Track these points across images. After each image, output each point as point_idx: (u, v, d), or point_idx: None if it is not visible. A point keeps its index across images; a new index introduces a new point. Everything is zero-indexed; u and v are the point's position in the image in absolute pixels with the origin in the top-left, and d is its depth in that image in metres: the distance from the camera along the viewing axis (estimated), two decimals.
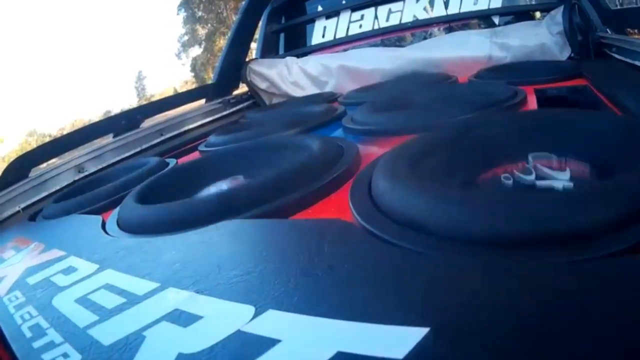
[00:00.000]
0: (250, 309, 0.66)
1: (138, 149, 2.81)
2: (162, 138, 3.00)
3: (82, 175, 2.48)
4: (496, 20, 3.47)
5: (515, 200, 0.88)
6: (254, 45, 4.16)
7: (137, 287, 0.85)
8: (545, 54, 2.82)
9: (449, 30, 3.62)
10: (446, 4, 3.54)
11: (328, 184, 1.24)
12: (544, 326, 0.50)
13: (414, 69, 3.12)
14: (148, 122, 3.07)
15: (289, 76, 3.68)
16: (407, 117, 1.79)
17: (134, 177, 1.87)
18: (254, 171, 1.62)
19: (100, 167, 2.59)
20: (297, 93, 3.63)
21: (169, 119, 3.17)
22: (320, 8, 4.08)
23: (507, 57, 2.92)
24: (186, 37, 48.47)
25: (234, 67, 3.69)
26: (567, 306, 0.53)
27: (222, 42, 38.39)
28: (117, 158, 2.70)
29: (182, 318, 0.70)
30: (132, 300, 0.82)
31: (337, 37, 3.97)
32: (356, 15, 3.89)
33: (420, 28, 3.76)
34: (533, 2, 3.59)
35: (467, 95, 2.00)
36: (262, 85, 3.72)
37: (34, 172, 2.34)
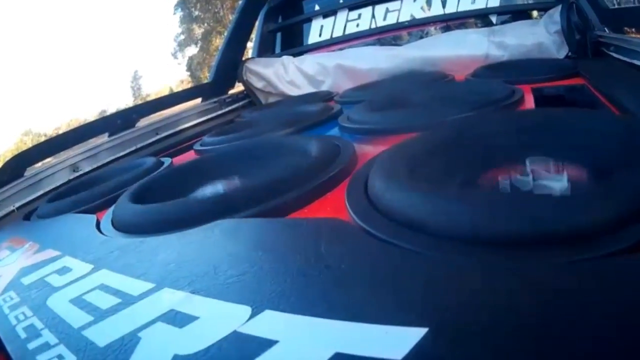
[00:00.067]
0: (246, 310, 0.66)
1: (133, 148, 2.81)
2: (158, 137, 2.99)
3: (77, 174, 2.47)
4: (493, 19, 3.47)
5: (514, 200, 0.87)
6: (250, 45, 4.16)
7: (132, 288, 0.85)
8: (542, 53, 2.83)
9: (446, 29, 3.63)
10: (444, 3, 3.53)
11: (324, 183, 1.23)
12: (544, 326, 0.50)
13: (411, 68, 3.12)
14: (143, 122, 3.06)
15: (286, 75, 3.68)
16: (404, 116, 1.79)
17: (129, 177, 1.87)
18: (250, 171, 1.62)
19: (95, 166, 2.58)
20: (294, 92, 3.62)
21: (165, 118, 3.17)
22: (317, 7, 4.08)
23: (505, 56, 2.93)
24: (182, 37, 48.55)
25: (230, 66, 3.69)
26: (567, 306, 0.52)
27: (219, 42, 38.50)
28: (112, 157, 2.69)
29: (177, 319, 0.69)
30: (127, 300, 0.81)
31: (334, 36, 3.96)
32: (353, 14, 3.89)
33: (418, 27, 3.76)
34: (530, 1, 3.59)
35: (464, 94, 2.00)
36: (259, 84, 3.72)
37: (29, 172, 2.34)
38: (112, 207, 1.46)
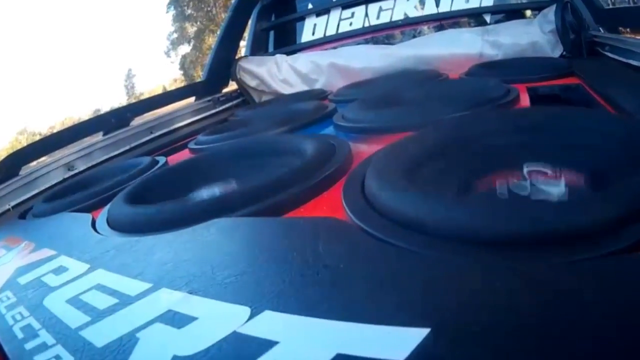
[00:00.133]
0: (245, 310, 0.65)
1: (128, 147, 2.80)
2: (152, 136, 2.99)
3: (72, 173, 2.47)
4: (487, 18, 3.47)
5: (512, 200, 0.87)
6: (243, 44, 4.15)
7: (129, 288, 0.85)
8: (537, 52, 2.83)
9: (440, 29, 3.62)
10: (437, 2, 3.53)
11: (320, 182, 1.23)
12: (545, 326, 0.50)
13: (405, 67, 3.12)
14: (138, 120, 3.06)
15: (279, 74, 3.68)
16: (399, 114, 1.79)
17: (124, 176, 1.86)
18: (246, 170, 1.61)
19: (90, 165, 2.58)
20: (287, 91, 3.62)
21: (159, 117, 3.16)
22: (310, 6, 4.07)
23: (499, 55, 2.92)
24: (175, 35, 48.43)
25: (223, 65, 3.69)
26: (568, 306, 0.53)
27: (211, 40, 38.44)
28: (107, 156, 2.69)
29: (176, 319, 0.69)
30: (124, 301, 0.81)
31: (327, 34, 3.95)
32: (347, 12, 3.88)
33: (411, 26, 3.75)
34: (525, 1, 3.59)
35: (459, 93, 1.99)
36: (252, 83, 3.71)
37: (24, 170, 2.33)
38: (108, 206, 1.46)
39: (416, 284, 0.66)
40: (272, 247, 0.92)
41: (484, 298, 0.59)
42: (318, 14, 4.00)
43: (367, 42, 3.80)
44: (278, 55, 3.80)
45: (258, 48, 4.10)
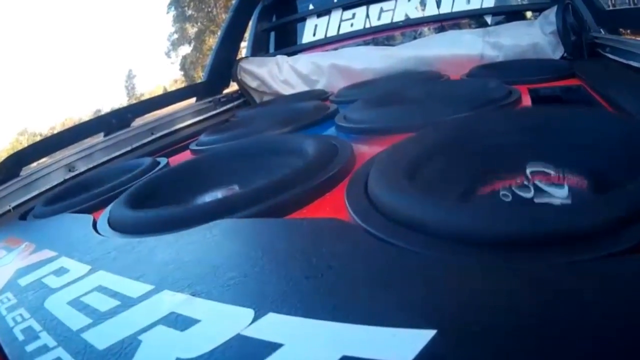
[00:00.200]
0: (249, 312, 0.65)
1: (129, 148, 2.80)
2: (153, 137, 2.98)
3: (73, 174, 2.47)
4: (488, 20, 3.46)
5: (514, 201, 0.87)
6: (244, 44, 4.15)
7: (131, 289, 0.84)
8: (537, 54, 2.83)
9: (440, 30, 3.61)
10: (438, 3, 3.53)
11: (323, 183, 1.23)
12: (551, 327, 0.50)
13: (406, 68, 3.12)
14: (138, 121, 3.06)
15: (280, 75, 3.67)
16: (401, 115, 1.78)
17: (125, 177, 1.86)
18: (248, 171, 1.61)
19: (91, 166, 2.58)
20: (288, 92, 3.62)
21: (160, 117, 3.16)
22: (311, 6, 4.07)
23: (499, 57, 2.92)
24: (176, 36, 48.48)
25: (224, 65, 3.68)
26: (572, 307, 0.53)
27: (212, 41, 38.47)
28: (108, 157, 2.69)
29: (178, 322, 0.69)
30: (126, 302, 0.80)
31: (328, 35, 3.95)
32: (347, 13, 3.88)
33: (412, 27, 3.74)
34: (526, 2, 3.58)
35: (461, 94, 1.99)
36: (253, 84, 3.71)
37: (24, 171, 2.33)
38: (109, 207, 1.45)
39: (421, 285, 0.65)
40: (276, 248, 0.91)
41: (489, 299, 0.59)
42: (319, 15, 4.00)
43: (367, 43, 3.80)
44: (279, 56, 3.79)
45: (259, 49, 4.10)
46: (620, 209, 0.73)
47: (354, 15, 3.85)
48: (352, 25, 3.86)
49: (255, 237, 1.01)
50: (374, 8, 3.77)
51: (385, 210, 0.93)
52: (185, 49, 48.77)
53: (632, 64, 1.96)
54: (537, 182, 1.07)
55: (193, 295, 0.75)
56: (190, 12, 46.32)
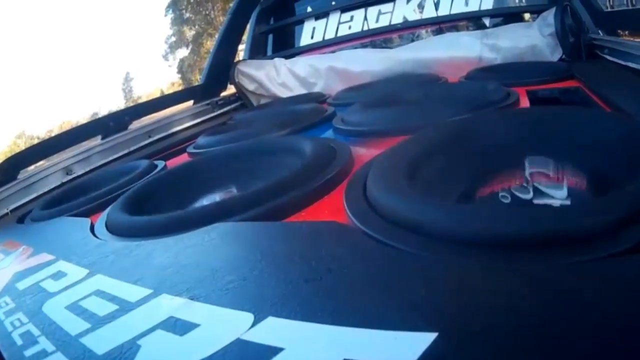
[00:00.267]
0: (248, 316, 0.65)
1: (126, 151, 2.80)
2: (151, 140, 2.98)
3: (70, 177, 2.46)
4: (486, 22, 3.46)
5: (515, 202, 0.87)
6: (241, 47, 4.15)
7: (129, 294, 0.84)
8: (536, 56, 2.82)
9: (439, 32, 3.61)
10: (437, 5, 3.52)
11: (321, 186, 1.23)
12: (552, 329, 0.49)
13: (403, 70, 3.13)
14: (136, 124, 3.06)
15: (277, 77, 3.67)
16: (399, 117, 1.78)
17: (123, 180, 1.86)
18: (245, 174, 1.62)
19: (88, 169, 2.57)
20: (285, 94, 3.62)
21: (157, 120, 3.16)
22: (309, 9, 4.07)
23: (498, 59, 2.92)
24: (173, 39, 48.50)
25: (222, 68, 3.68)
26: (576, 308, 0.53)
27: (210, 44, 38.53)
28: (106, 160, 2.68)
29: (177, 326, 0.68)
30: (124, 307, 0.80)
31: (326, 38, 3.95)
32: (345, 16, 3.87)
33: (410, 29, 3.74)
34: (524, 4, 3.58)
35: (459, 96, 2.00)
36: (250, 86, 3.71)
37: (22, 174, 2.33)
38: (107, 210, 1.45)
39: (421, 287, 0.65)
40: (274, 251, 0.91)
41: (490, 301, 0.59)
42: (317, 18, 4.00)
43: (365, 46, 3.80)
44: (277, 59, 3.79)
45: (257, 51, 4.10)
46: (620, 210, 0.73)
47: (352, 17, 3.85)
48: (350, 27, 3.86)
49: (254, 241, 1.01)
50: (372, 10, 3.77)
51: (385, 213, 0.92)
52: (183, 52, 48.84)
53: (630, 66, 1.97)
54: (536, 183, 1.07)
55: (192, 299, 0.75)
56: (188, 15, 46.36)
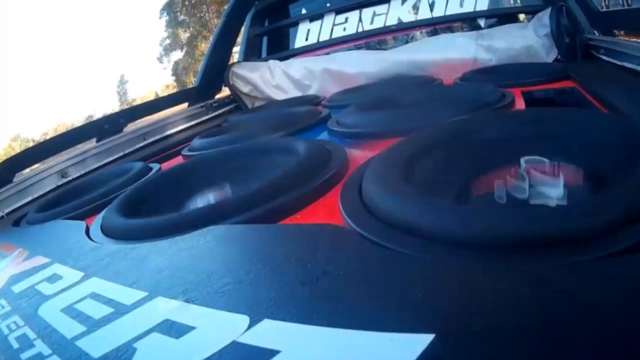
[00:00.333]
0: (244, 319, 0.64)
1: (121, 154, 2.81)
2: (145, 142, 2.99)
3: (65, 180, 2.46)
4: (481, 23, 3.46)
5: (511, 203, 0.87)
6: (236, 50, 4.15)
7: (125, 296, 0.84)
8: (531, 57, 2.83)
9: (434, 34, 3.61)
10: (431, 7, 3.52)
11: (316, 188, 1.23)
12: (551, 329, 0.49)
13: (398, 72, 3.13)
14: (131, 127, 3.06)
15: (272, 80, 3.68)
16: (394, 119, 1.78)
17: (118, 183, 1.86)
18: (240, 176, 1.62)
19: (83, 172, 2.58)
20: (280, 97, 3.63)
21: (152, 123, 3.17)
22: (304, 11, 4.07)
23: (493, 60, 2.92)
24: (168, 41, 48.55)
25: (216, 70, 3.69)
26: (575, 308, 0.53)
27: (204, 47, 38.59)
28: (101, 163, 2.69)
29: (173, 329, 0.68)
30: (119, 310, 0.80)
31: (321, 40, 3.95)
32: (340, 18, 3.88)
33: (405, 31, 3.73)
34: (519, 5, 3.58)
35: (454, 98, 2.00)
36: (245, 89, 3.71)
37: (17, 177, 2.33)
38: (102, 214, 1.45)
39: (418, 288, 0.65)
40: (270, 254, 0.90)
41: (487, 301, 0.58)
42: (312, 19, 4.00)
43: (359, 47, 3.80)
44: (271, 61, 3.79)
45: (251, 54, 4.10)
46: (619, 209, 0.73)
47: (346, 19, 3.85)
48: (344, 29, 3.86)
49: (249, 243, 1.01)
50: (367, 12, 3.77)
51: (380, 214, 0.92)
52: (178, 55, 48.90)
53: (626, 66, 1.96)
54: (532, 182, 1.07)
55: (187, 302, 0.74)
56: (182, 17, 46.41)
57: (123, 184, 1.82)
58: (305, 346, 0.56)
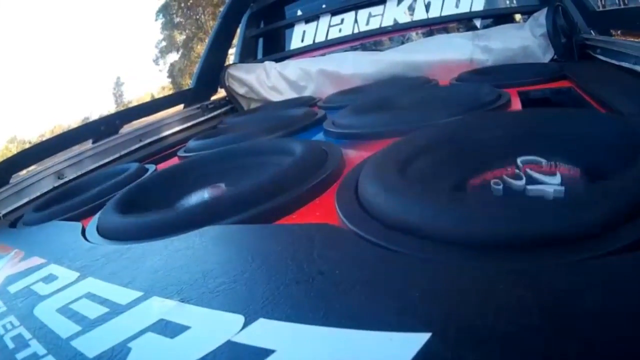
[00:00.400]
0: (239, 318, 0.64)
1: (117, 155, 2.81)
2: (141, 144, 3.00)
3: (62, 181, 2.47)
4: (477, 23, 3.46)
5: (510, 202, 0.87)
6: (232, 51, 4.15)
7: (120, 296, 0.83)
8: (527, 57, 2.83)
9: (429, 34, 3.61)
10: (427, 7, 3.52)
11: (312, 188, 1.23)
12: (549, 327, 0.49)
13: (394, 73, 3.13)
14: (127, 128, 3.07)
15: (268, 81, 3.68)
16: (390, 120, 1.78)
17: (114, 184, 1.86)
18: (236, 177, 1.62)
19: (80, 173, 2.58)
20: (276, 98, 3.63)
21: (148, 124, 3.18)
22: (299, 12, 4.07)
23: (489, 60, 2.92)
24: (164, 43, 48.63)
25: (212, 72, 3.70)
26: (575, 307, 0.52)
27: (200, 48, 38.62)
28: (97, 164, 2.69)
29: (168, 328, 0.68)
30: (115, 310, 0.79)
31: (317, 41, 3.96)
32: (336, 19, 3.88)
33: (401, 31, 3.74)
34: (515, 5, 3.58)
35: (450, 98, 1.99)
36: (241, 90, 3.72)
37: (14, 179, 2.33)
38: (98, 215, 1.45)
39: (414, 288, 0.65)
40: (265, 254, 0.90)
41: (483, 300, 0.58)
42: (307, 21, 4.01)
43: (355, 48, 3.81)
44: (267, 62, 3.79)
45: (247, 55, 4.11)
46: (618, 207, 0.73)
47: (342, 20, 3.86)
48: (340, 30, 3.87)
49: (245, 243, 1.00)
50: (363, 13, 3.78)
51: (377, 214, 0.92)
52: (174, 56, 48.99)
53: (622, 65, 1.97)
54: (529, 176, 1.07)
55: (182, 302, 0.74)
56: (178, 19, 46.48)
57: (119, 184, 1.81)
58: (300, 345, 0.56)
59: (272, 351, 0.55)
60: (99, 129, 2.89)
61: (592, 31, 2.57)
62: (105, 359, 0.66)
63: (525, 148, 1.14)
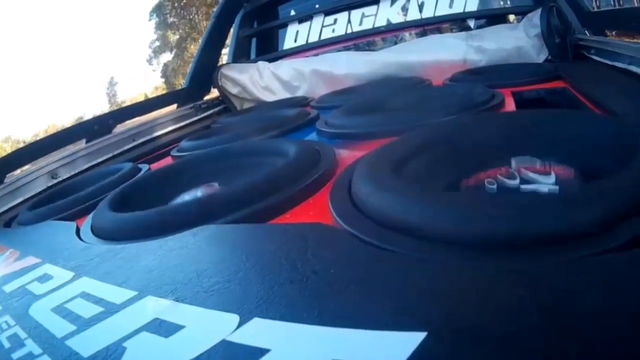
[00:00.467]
0: (234, 318, 0.64)
1: (110, 155, 2.81)
2: (135, 143, 3.00)
3: (55, 181, 2.46)
4: (471, 23, 3.46)
5: (506, 201, 0.87)
6: (225, 51, 4.14)
7: (114, 296, 0.83)
8: (522, 57, 2.83)
9: (423, 34, 3.61)
10: (420, 8, 3.52)
11: (306, 187, 1.23)
12: (543, 326, 0.49)
13: (387, 73, 3.13)
14: (120, 128, 3.07)
15: (261, 81, 3.68)
16: (383, 120, 1.79)
17: (107, 183, 1.86)
18: (229, 176, 1.62)
19: (73, 173, 2.58)
20: (269, 98, 3.63)
21: (141, 124, 3.18)
22: (293, 12, 4.07)
23: (483, 61, 2.92)
24: (157, 43, 48.56)
25: (205, 72, 3.70)
26: (572, 306, 0.52)
27: (193, 49, 38.59)
28: (90, 164, 2.69)
29: (162, 328, 0.68)
30: (109, 309, 0.79)
31: (310, 41, 3.96)
32: (329, 19, 3.89)
33: (394, 32, 3.74)
34: (509, 5, 3.58)
35: (443, 98, 2.00)
36: (234, 90, 3.72)
37: (8, 178, 2.32)
38: (92, 214, 1.45)
39: (409, 287, 0.65)
40: (260, 253, 0.90)
41: (478, 300, 0.58)
42: (300, 21, 4.01)
43: (348, 49, 3.81)
44: (260, 62, 3.80)
45: (240, 55, 4.12)
46: (614, 206, 0.73)
47: (335, 20, 3.86)
48: (333, 30, 3.87)
49: (239, 243, 1.00)
50: (356, 13, 3.78)
51: (370, 213, 0.92)
52: (167, 56, 48.94)
53: (617, 65, 1.97)
54: (523, 174, 1.07)
55: (177, 301, 0.74)
56: (172, 19, 46.39)
57: (113, 184, 1.81)
58: (295, 345, 0.56)
59: (267, 350, 0.55)
60: (92, 129, 2.89)
61: (586, 31, 2.58)
62: (100, 358, 0.66)
63: (519, 148, 1.14)
